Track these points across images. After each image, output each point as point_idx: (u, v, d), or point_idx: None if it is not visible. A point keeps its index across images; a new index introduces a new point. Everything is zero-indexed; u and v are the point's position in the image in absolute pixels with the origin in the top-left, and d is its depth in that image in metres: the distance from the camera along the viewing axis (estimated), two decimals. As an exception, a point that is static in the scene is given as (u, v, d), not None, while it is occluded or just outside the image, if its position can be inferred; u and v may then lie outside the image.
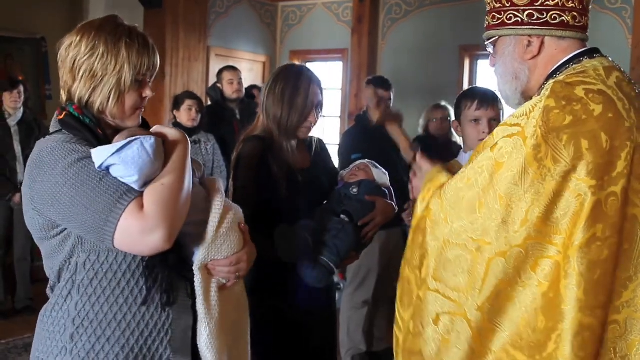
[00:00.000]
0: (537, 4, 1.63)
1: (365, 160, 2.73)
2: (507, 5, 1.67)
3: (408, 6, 7.45)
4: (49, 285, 1.76)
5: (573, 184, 1.44)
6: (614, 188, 1.44)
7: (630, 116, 1.50)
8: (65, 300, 1.68)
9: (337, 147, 4.90)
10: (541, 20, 1.63)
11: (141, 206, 1.57)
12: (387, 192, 2.66)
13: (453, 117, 5.28)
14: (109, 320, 1.66)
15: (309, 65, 8.52)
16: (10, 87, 5.43)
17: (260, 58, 8.27)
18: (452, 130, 5.32)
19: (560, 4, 1.62)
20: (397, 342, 1.74)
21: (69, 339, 1.66)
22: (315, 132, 2.71)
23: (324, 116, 6.80)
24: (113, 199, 1.56)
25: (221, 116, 5.57)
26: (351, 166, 2.74)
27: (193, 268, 1.75)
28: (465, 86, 7.00)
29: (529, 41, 1.66)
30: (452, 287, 1.56)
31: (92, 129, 1.68)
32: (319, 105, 2.60)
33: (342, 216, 2.51)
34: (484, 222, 1.50)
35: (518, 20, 1.65)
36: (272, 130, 2.55)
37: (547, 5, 1.62)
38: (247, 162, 2.52)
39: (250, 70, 8.02)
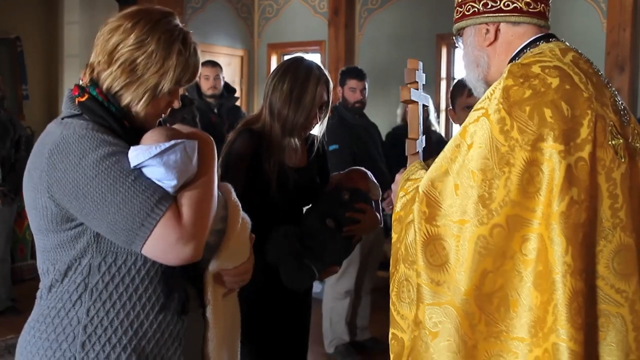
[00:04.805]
0: None
1: (362, 169, 2.71)
2: None
3: (384, -4, 7.48)
4: (43, 285, 1.62)
5: (543, 151, 1.47)
6: (580, 153, 1.48)
7: (588, 88, 1.55)
8: (73, 305, 1.56)
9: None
10: (495, 8, 1.71)
11: (179, 214, 1.49)
12: (373, 203, 2.63)
13: (430, 106, 5.40)
14: (124, 327, 1.55)
15: (286, 58, 8.52)
16: None
17: (238, 52, 8.25)
18: (431, 118, 5.41)
19: None
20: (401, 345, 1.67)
21: (79, 348, 1.54)
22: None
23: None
24: (151, 202, 1.47)
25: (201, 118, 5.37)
26: (346, 171, 2.73)
27: (204, 276, 1.69)
28: (443, 75, 7.06)
29: (487, 29, 1.74)
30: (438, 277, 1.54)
31: (119, 119, 1.58)
32: (323, 105, 2.51)
33: (327, 220, 2.48)
34: (462, 201, 1.51)
35: (475, 10, 1.74)
36: (274, 127, 2.46)
37: None
38: (237, 163, 2.42)
39: (229, 64, 8.00)
